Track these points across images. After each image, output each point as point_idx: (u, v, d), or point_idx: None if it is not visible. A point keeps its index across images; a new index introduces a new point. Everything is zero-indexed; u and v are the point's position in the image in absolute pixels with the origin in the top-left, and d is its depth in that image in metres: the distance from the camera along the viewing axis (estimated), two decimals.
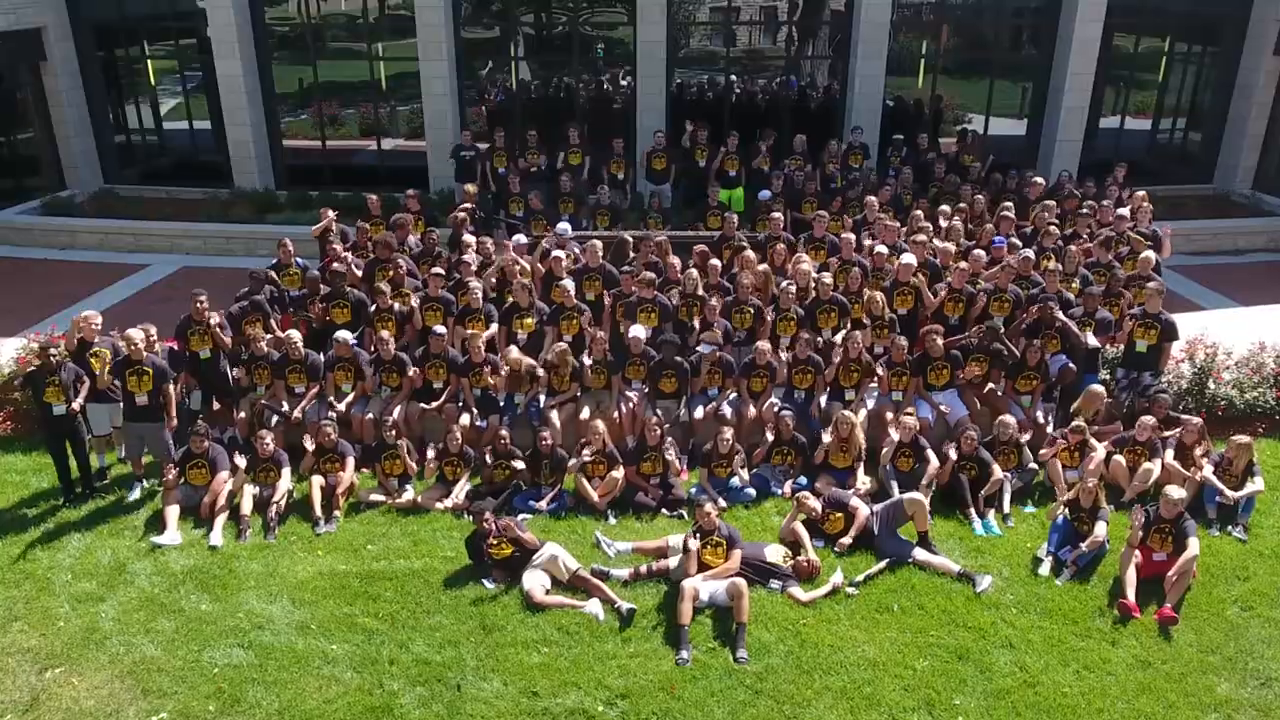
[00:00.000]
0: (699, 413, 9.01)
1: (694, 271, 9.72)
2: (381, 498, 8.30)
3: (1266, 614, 6.84)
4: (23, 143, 16.79)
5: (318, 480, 8.16)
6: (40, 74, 16.28)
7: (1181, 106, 17.17)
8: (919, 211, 11.33)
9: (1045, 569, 7.32)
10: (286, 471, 8.17)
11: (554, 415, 8.85)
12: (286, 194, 16.06)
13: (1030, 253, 10.11)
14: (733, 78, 16.81)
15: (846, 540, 7.54)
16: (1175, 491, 7.13)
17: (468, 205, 12.23)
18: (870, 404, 9.05)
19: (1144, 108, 17.30)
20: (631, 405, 9.00)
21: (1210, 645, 6.55)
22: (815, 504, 7.68)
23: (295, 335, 9.09)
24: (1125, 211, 11.22)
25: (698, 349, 9.15)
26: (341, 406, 8.93)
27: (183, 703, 6.10)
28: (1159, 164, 17.09)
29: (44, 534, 7.89)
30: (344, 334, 9.18)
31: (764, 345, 9.00)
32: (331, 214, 11.22)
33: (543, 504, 8.15)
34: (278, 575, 7.31)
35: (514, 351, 9.08)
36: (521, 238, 10.91)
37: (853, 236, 10.51)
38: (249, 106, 15.84)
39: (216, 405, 9.34)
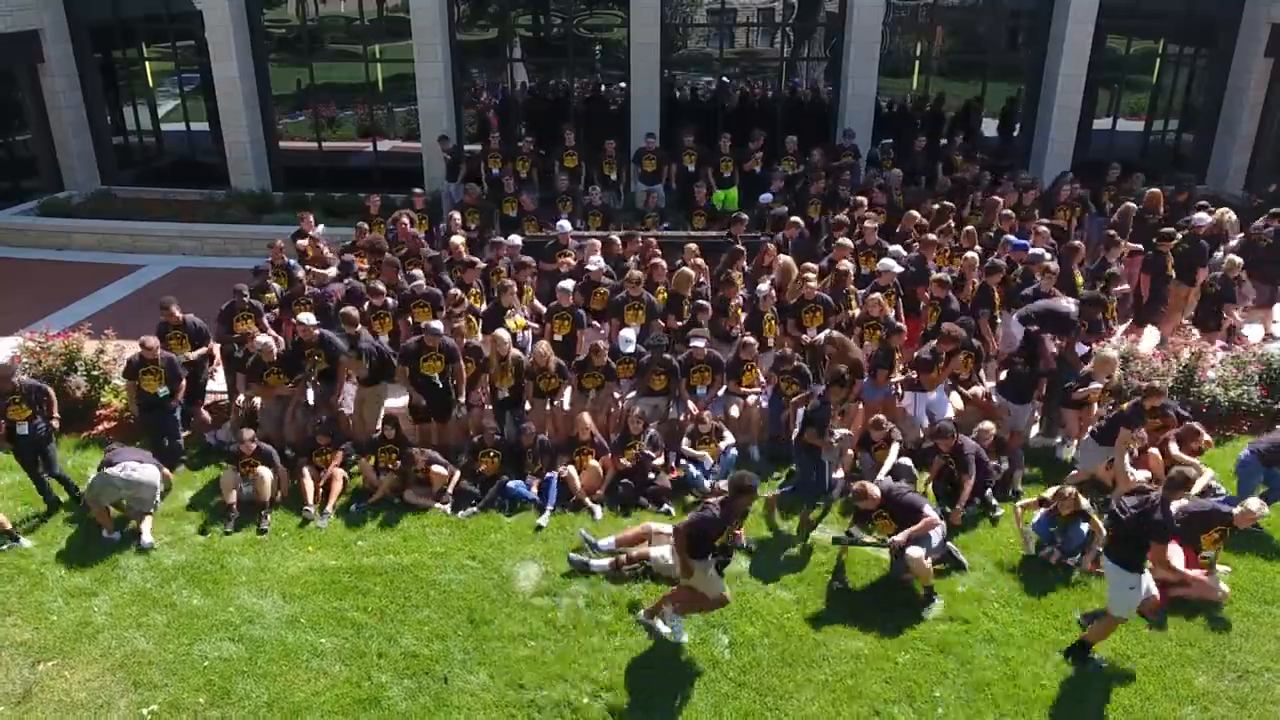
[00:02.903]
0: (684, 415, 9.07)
1: (685, 270, 9.79)
2: (414, 498, 8.29)
3: (1244, 608, 6.91)
4: (20, 144, 16.86)
5: (309, 470, 8.27)
6: (38, 75, 16.35)
7: (1174, 108, 17.24)
8: (911, 212, 11.40)
9: (1032, 546, 7.47)
10: (273, 467, 8.25)
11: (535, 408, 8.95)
12: (283, 195, 16.10)
13: (1043, 251, 10.15)
14: (726, 79, 16.89)
15: None
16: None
17: (463, 203, 12.37)
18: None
19: (1136, 109, 17.37)
20: (620, 401, 9.06)
21: (1189, 638, 6.62)
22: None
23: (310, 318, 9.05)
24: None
25: (692, 343, 9.14)
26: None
27: (173, 695, 6.18)
28: (1151, 165, 17.13)
29: (38, 529, 7.98)
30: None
31: (749, 339, 9.08)
32: (310, 217, 11.59)
33: (532, 490, 8.22)
34: (268, 570, 7.39)
35: (504, 335, 8.82)
36: (516, 238, 10.98)
37: (850, 243, 10.57)
38: (245, 108, 15.90)
39: (205, 405, 9.39)
